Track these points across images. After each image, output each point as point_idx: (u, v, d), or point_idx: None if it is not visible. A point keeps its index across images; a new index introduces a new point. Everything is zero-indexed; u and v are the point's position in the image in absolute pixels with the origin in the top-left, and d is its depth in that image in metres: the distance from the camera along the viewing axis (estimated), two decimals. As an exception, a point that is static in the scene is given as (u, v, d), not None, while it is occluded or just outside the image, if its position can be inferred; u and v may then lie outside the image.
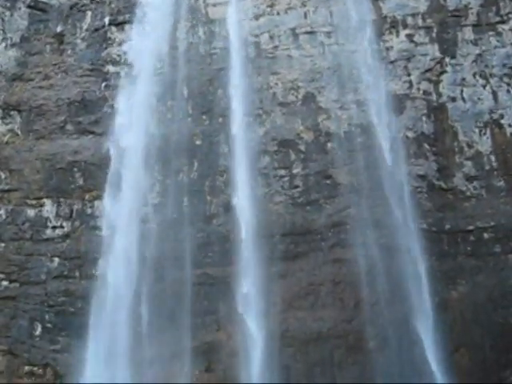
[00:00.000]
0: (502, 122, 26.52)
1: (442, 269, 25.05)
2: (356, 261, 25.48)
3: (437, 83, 27.48)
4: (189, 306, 25.14)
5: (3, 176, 27.57)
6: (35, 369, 24.35)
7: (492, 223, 25.39)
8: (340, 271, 25.72)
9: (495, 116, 26.64)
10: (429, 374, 22.97)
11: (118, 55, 29.22)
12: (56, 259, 26.05)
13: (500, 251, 24.96)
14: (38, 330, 25.06)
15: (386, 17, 28.47)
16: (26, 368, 24.35)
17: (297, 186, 26.84)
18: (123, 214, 25.63)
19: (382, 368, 23.81)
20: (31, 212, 27.09)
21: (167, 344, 24.43)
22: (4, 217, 26.73)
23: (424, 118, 26.96)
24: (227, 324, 25.33)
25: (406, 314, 24.23)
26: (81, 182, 27.39)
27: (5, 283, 25.58)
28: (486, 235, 25.29)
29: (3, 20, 29.92)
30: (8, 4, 30.22)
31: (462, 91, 27.19)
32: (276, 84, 28.06)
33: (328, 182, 26.75)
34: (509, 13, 27.69)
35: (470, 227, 25.50)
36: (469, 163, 26.28)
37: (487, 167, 26.12)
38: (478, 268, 24.91)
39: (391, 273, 24.91)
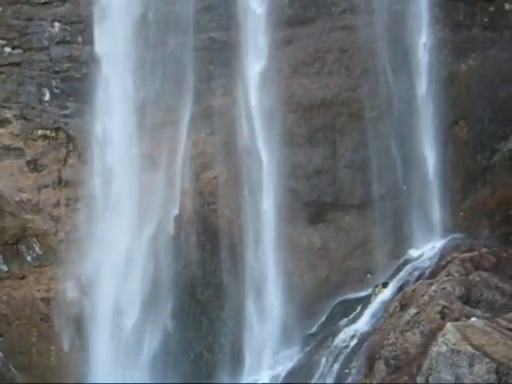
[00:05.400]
0: None
1: (454, 40, 25.46)
2: (366, 28, 26.04)
3: None
4: (193, 71, 26.49)
5: None
6: (48, 132, 26.63)
7: (520, -8, 25.18)
8: (348, 38, 26.31)
9: None
10: (424, 145, 25.17)
11: None
12: (57, 24, 26.80)
13: (519, 23, 25.15)
14: (47, 96, 26.80)
15: None
16: (40, 132, 26.65)
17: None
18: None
19: (381, 136, 25.98)
20: (22, -30, 27.05)
21: (172, 109, 26.36)
22: (-8, -27, 26.70)
23: None
24: (233, 89, 26.88)
25: (411, 85, 25.56)
26: None
27: (8, 49, 26.63)
28: (507, 6, 25.19)
29: None
30: None
31: None
32: None
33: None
34: None
35: (492, -6, 25.40)
36: None
37: None
38: (492, 41, 25.23)
39: (401, 42, 25.61)
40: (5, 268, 26.44)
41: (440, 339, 15.59)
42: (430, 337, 17.81)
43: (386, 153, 25.52)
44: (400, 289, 22.50)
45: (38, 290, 26.00)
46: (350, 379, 21.61)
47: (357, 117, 26.11)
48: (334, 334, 23.52)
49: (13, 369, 26.22)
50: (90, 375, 24.99)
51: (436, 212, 24.93)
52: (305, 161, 26.47)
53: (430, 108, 24.89)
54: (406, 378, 18.06)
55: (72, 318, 25.85)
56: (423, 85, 25.05)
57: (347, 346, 22.68)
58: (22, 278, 26.26)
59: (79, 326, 25.69)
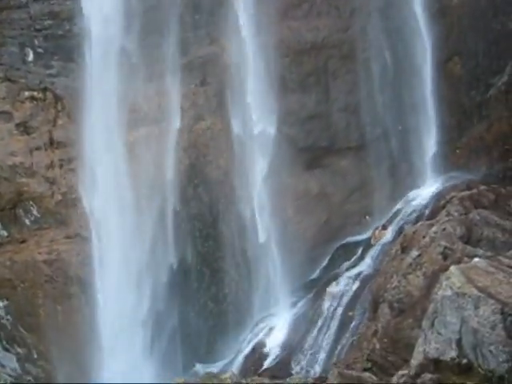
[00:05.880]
0: None
1: (444, -30, 24.61)
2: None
3: None
4: (178, 20, 25.47)
5: None
6: (35, 93, 25.67)
7: None
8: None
9: None
10: (419, 83, 24.46)
11: None
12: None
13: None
14: (30, 56, 25.74)
15: None
16: (26, 93, 25.70)
17: None
18: None
19: (374, 77, 25.27)
20: None
21: (160, 61, 25.48)
22: None
23: None
24: (220, 37, 25.98)
25: (403, 21, 24.65)
26: None
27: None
28: None
29: None
30: None
31: None
32: None
33: None
34: None
35: None
36: None
37: None
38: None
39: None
40: (4, 233, 26.07)
41: (444, 282, 15.33)
42: (433, 278, 17.65)
43: (380, 94, 24.89)
44: (400, 231, 22.28)
45: (40, 253, 25.73)
46: (354, 322, 21.65)
47: (349, 58, 25.35)
48: (336, 279, 23.45)
49: (22, 330, 26.26)
50: (97, 332, 25.03)
51: (432, 151, 24.49)
52: (298, 106, 25.85)
53: (424, 44, 24.05)
54: (410, 320, 18.02)
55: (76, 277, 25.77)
56: (420, 19, 24.03)
57: (350, 290, 22.64)
58: (23, 241, 25.92)
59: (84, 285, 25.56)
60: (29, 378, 26.49)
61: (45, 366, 26.25)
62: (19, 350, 26.47)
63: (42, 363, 26.31)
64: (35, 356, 26.24)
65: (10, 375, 26.43)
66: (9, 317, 26.20)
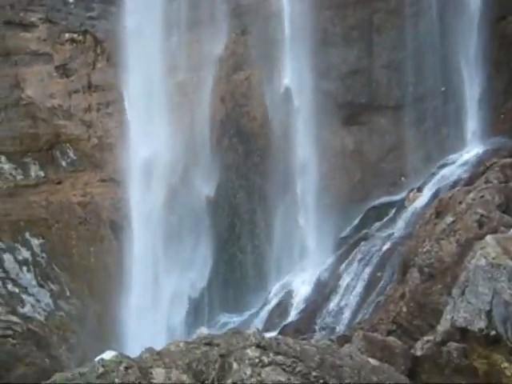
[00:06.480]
0: None
1: None
2: None
3: None
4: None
5: None
6: (75, 36, 25.29)
7: None
8: None
9: None
10: (467, 42, 23.18)
11: None
12: None
13: None
14: (72, 5, 25.36)
15: None
16: (67, 36, 25.30)
17: None
18: None
19: (421, 34, 24.12)
20: None
21: (201, 8, 24.66)
22: None
23: None
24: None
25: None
26: None
27: None
28: None
29: None
30: None
31: None
32: None
33: None
34: None
35: None
36: None
37: None
38: None
39: None
40: (41, 174, 26.18)
41: (479, 252, 14.69)
42: (467, 246, 16.96)
43: (425, 52, 23.77)
44: (435, 194, 21.51)
45: (74, 195, 25.82)
46: (381, 283, 21.22)
47: (395, 13, 24.20)
48: (367, 238, 22.95)
49: (56, 268, 26.61)
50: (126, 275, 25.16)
51: (475, 114, 23.43)
52: (339, 60, 24.95)
53: (476, 1, 22.71)
54: (439, 286, 17.44)
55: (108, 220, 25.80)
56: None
57: (380, 250, 22.14)
58: (59, 183, 26.01)
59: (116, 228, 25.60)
60: (61, 313, 27.00)
61: (76, 304, 26.64)
62: (53, 286, 26.91)
63: (73, 301, 26.71)
64: (68, 294, 26.64)
65: (43, 310, 26.99)
66: (44, 255, 26.55)
